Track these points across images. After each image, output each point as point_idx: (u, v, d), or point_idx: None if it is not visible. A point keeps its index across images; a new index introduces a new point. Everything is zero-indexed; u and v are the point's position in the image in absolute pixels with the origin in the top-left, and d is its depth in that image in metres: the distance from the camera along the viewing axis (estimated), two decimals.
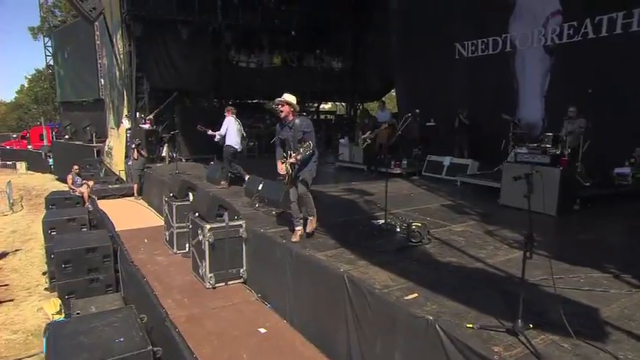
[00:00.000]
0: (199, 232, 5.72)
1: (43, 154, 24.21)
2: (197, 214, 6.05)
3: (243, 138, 8.57)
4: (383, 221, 5.43)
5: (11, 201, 17.48)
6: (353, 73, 18.40)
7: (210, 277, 5.60)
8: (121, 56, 13.05)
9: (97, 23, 16.10)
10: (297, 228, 5.00)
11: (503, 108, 9.84)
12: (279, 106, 4.75)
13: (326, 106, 24.88)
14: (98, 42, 18.20)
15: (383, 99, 14.81)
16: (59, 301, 5.96)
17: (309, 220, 5.03)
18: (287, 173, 4.76)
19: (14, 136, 34.44)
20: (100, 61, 18.49)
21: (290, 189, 4.94)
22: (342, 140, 11.77)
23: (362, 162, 10.59)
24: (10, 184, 18.23)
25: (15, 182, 20.53)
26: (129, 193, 11.49)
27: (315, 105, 21.76)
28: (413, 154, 10.62)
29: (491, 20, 10.69)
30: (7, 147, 30.29)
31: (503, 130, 9.05)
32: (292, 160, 4.60)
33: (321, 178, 9.56)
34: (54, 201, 10.46)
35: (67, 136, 22.53)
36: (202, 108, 14.97)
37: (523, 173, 2.77)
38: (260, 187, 7.16)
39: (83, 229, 8.15)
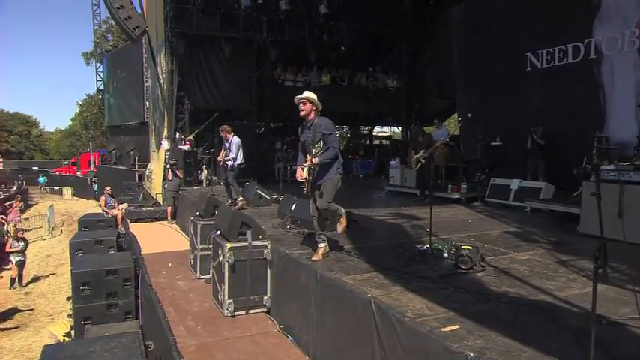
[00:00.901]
0: (219, 251, 5.60)
1: (88, 179, 26.06)
2: (219, 232, 5.95)
3: None
4: (428, 245, 5.02)
5: (52, 226, 18.77)
6: (410, 93, 18.07)
7: (229, 303, 5.40)
8: (164, 75, 13.80)
9: (145, 46, 17.41)
10: (320, 245, 4.75)
11: (587, 124, 9.11)
12: (300, 104, 4.63)
13: (383, 133, 24.72)
14: (145, 65, 19.54)
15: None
16: (70, 322, 6.02)
17: (338, 223, 4.83)
18: (305, 180, 4.56)
19: (65, 162, 37.72)
20: (145, 83, 19.79)
21: (310, 200, 4.73)
22: (392, 162, 11.44)
23: (415, 186, 10.16)
24: (51, 209, 19.64)
25: (59, 208, 22.13)
26: (163, 217, 11.76)
27: (368, 128, 21.56)
28: (476, 178, 10.03)
29: (570, 25, 10.13)
30: (57, 173, 33.11)
31: (586, 150, 8.29)
32: (309, 163, 4.39)
33: (367, 204, 9.29)
34: (87, 223, 10.96)
35: (112, 161, 24.10)
36: (244, 129, 15.18)
37: (590, 168, 2.35)
38: (293, 208, 7.01)
39: (111, 252, 8.37)
